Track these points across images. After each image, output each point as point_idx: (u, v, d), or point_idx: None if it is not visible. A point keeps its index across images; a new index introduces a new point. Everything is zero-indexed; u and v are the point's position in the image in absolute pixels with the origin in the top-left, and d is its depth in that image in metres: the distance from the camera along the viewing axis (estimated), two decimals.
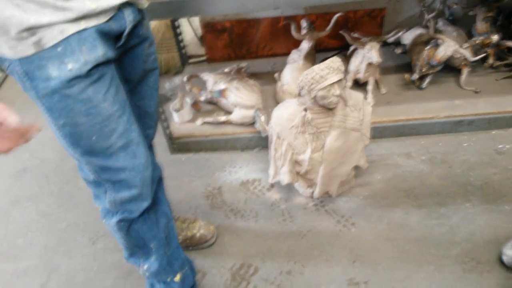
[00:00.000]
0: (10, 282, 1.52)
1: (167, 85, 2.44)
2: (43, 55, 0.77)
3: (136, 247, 1.18)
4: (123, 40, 0.91)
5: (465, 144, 1.85)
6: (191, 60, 2.53)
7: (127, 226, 1.11)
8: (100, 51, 0.83)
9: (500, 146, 1.82)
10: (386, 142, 1.91)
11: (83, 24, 0.79)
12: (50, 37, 0.76)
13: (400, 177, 1.74)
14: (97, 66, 0.83)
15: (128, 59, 1.01)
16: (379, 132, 1.90)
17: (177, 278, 1.24)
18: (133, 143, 0.96)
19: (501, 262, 1.37)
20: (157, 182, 1.13)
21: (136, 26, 0.96)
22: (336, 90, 1.37)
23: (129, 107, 0.96)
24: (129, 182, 1.00)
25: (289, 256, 1.49)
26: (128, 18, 0.89)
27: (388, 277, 1.39)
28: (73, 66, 0.79)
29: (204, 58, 2.52)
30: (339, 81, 1.37)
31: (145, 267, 1.21)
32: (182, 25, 2.47)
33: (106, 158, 0.94)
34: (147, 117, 1.16)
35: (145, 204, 1.07)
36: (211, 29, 2.33)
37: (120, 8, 0.87)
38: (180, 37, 2.39)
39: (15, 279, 1.53)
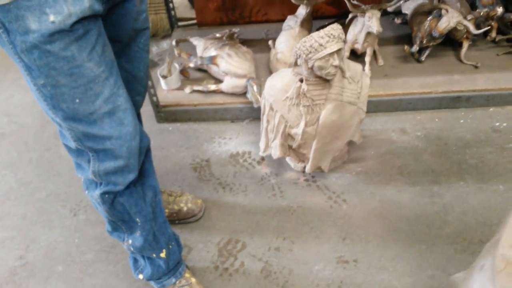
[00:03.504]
0: None
1: (155, 49, 2.33)
2: (22, 4, 0.69)
3: (121, 221, 1.12)
4: None
5: (462, 121, 1.81)
6: (180, 23, 2.40)
7: (111, 199, 1.04)
8: (86, 3, 0.74)
9: (497, 124, 1.78)
10: (381, 117, 1.85)
11: None
12: None
13: (394, 153, 1.69)
14: (82, 20, 0.75)
15: (117, 15, 0.92)
16: (374, 106, 1.83)
17: (163, 254, 1.19)
18: (120, 109, 0.88)
19: None
20: (145, 152, 1.06)
21: None
22: (335, 60, 1.29)
23: (117, 69, 0.88)
24: (114, 152, 0.92)
25: (278, 232, 1.45)
26: None
27: (378, 255, 1.36)
28: (55, 18, 0.71)
29: (194, 21, 2.39)
30: (339, 50, 1.29)
31: (129, 242, 1.15)
32: None
33: (90, 125, 0.87)
34: (136, 82, 1.08)
35: (131, 176, 1.00)
36: None
37: None
38: None
39: None
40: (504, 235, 0.81)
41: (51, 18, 0.71)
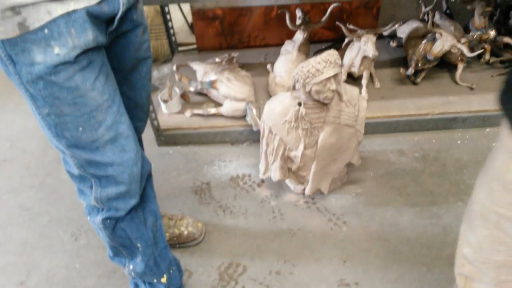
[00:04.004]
0: None
1: (156, 73, 2.37)
2: (28, 37, 0.71)
3: (122, 247, 1.13)
4: (115, 24, 0.85)
5: (459, 142, 1.83)
6: (180, 48, 2.45)
7: (113, 225, 1.05)
8: (90, 35, 0.76)
9: (493, 144, 1.80)
10: (379, 138, 1.87)
11: (72, 5, 0.73)
12: (36, 18, 0.70)
13: (392, 174, 1.71)
14: (86, 51, 0.78)
15: (119, 46, 0.95)
16: (372, 128, 1.86)
17: (164, 279, 1.19)
18: (122, 136, 0.90)
19: None
20: (146, 178, 1.08)
21: (129, 10, 0.89)
22: (332, 85, 1.32)
23: (119, 98, 0.90)
24: (116, 178, 0.94)
25: (278, 255, 1.45)
26: (122, 0, 0.83)
27: (379, 277, 1.36)
28: (60, 50, 0.73)
29: (194, 46, 2.44)
30: (336, 75, 1.32)
31: (131, 267, 1.16)
32: (172, 11, 2.38)
33: (93, 152, 0.89)
34: (137, 108, 1.10)
35: (132, 202, 1.01)
36: (201, 17, 2.25)
37: None
38: (169, 24, 2.30)
39: None
40: (456, 256, 0.89)
41: (56, 50, 0.73)
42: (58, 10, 0.71)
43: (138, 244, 1.10)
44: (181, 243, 1.46)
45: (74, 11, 0.73)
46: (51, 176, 1.83)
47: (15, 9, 0.68)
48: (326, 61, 1.29)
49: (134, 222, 1.07)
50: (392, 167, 1.73)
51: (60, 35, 0.73)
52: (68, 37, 0.74)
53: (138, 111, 1.11)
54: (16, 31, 0.70)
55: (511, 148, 0.69)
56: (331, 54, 1.30)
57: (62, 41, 0.73)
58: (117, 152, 0.91)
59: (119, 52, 0.96)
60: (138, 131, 1.16)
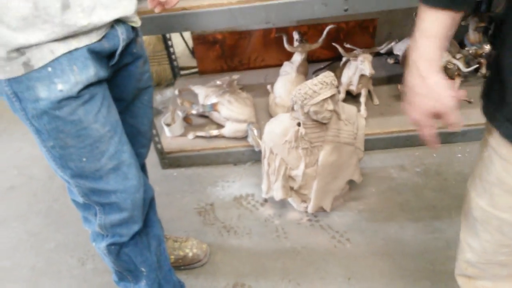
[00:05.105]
0: None
1: (158, 97, 2.42)
2: (33, 76, 0.75)
3: (127, 271, 1.15)
4: (116, 59, 0.89)
5: (459, 155, 1.84)
6: (182, 72, 2.50)
7: (117, 250, 1.08)
8: (91, 71, 0.80)
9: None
10: (380, 154, 1.89)
11: (74, 44, 0.77)
12: (40, 57, 0.74)
13: (394, 190, 1.72)
14: (88, 86, 0.81)
15: (121, 77, 0.98)
16: (372, 144, 1.88)
17: None
18: (125, 165, 0.93)
19: None
20: (149, 203, 1.10)
21: (129, 44, 0.93)
22: (329, 105, 1.35)
23: (121, 127, 0.93)
24: (119, 205, 0.97)
25: (283, 274, 1.46)
26: (122, 36, 0.87)
27: None
28: (63, 86, 0.77)
29: (195, 70, 2.49)
30: (332, 96, 1.35)
31: None
32: (173, 36, 2.45)
33: (96, 181, 0.92)
34: (140, 135, 1.14)
35: (136, 227, 1.04)
36: (202, 41, 2.31)
37: (113, 25, 0.84)
38: (171, 49, 2.37)
39: None
40: (457, 261, 0.96)
41: (59, 87, 0.77)
42: (61, 49, 0.75)
43: (142, 269, 1.12)
44: (186, 265, 1.48)
45: (76, 49, 0.77)
46: (57, 202, 1.86)
47: (20, 50, 0.72)
48: (322, 82, 1.33)
49: (138, 247, 1.09)
50: (394, 183, 1.75)
51: (63, 73, 0.77)
52: (70, 74, 0.77)
53: (140, 138, 1.14)
54: (21, 70, 0.74)
55: (505, 154, 0.71)
56: (327, 75, 1.34)
57: (65, 78, 0.77)
58: (120, 180, 0.93)
59: (121, 83, 0.99)
60: (141, 157, 1.19)
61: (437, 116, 0.73)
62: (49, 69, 0.75)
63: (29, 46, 0.72)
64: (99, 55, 0.82)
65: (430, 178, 1.75)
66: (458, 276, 0.95)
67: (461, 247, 0.91)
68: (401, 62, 2.10)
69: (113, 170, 0.91)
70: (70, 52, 0.76)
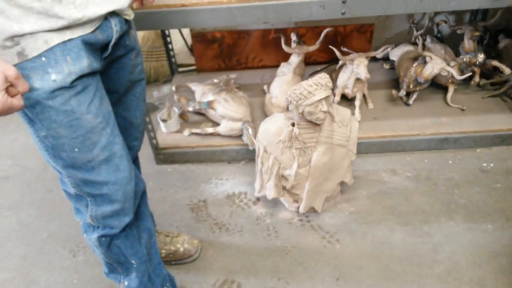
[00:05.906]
0: None
1: (156, 93, 2.43)
2: (26, 65, 0.76)
3: (117, 263, 1.16)
4: (109, 50, 0.90)
5: (450, 162, 1.87)
6: (180, 69, 2.52)
7: (108, 242, 1.09)
8: (85, 62, 0.81)
9: (484, 164, 1.84)
10: (372, 158, 1.91)
11: (68, 35, 0.78)
12: (34, 47, 0.75)
13: (385, 193, 1.74)
14: (81, 77, 0.82)
15: (114, 69, 0.99)
16: (365, 148, 1.90)
17: None
18: (116, 156, 0.94)
19: None
20: (140, 196, 1.12)
21: (122, 36, 0.94)
22: (324, 106, 1.37)
23: (113, 119, 0.94)
24: (111, 196, 0.98)
25: (273, 272, 1.47)
26: (115, 28, 0.88)
27: None
28: (56, 76, 0.78)
29: (193, 67, 2.51)
30: (327, 97, 1.37)
31: (126, 283, 1.19)
32: (173, 33, 2.46)
33: (88, 171, 0.92)
34: (132, 128, 1.14)
35: (127, 219, 1.05)
36: (201, 39, 2.32)
37: (106, 17, 0.86)
38: (170, 46, 2.38)
39: None
40: None
41: (53, 77, 0.78)
42: (55, 39, 0.76)
43: (133, 261, 1.13)
44: (177, 260, 1.49)
45: (70, 40, 0.78)
46: (51, 193, 1.87)
47: (14, 39, 0.73)
48: (317, 84, 1.35)
49: (129, 240, 1.10)
50: (385, 186, 1.77)
51: (56, 63, 0.78)
52: (64, 64, 0.78)
53: (133, 130, 1.15)
54: (16, 59, 0.75)
55: None
56: (322, 77, 1.36)
57: (59, 68, 0.78)
58: (112, 171, 0.94)
59: (114, 75, 1.00)
60: (134, 150, 1.20)
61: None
62: (43, 59, 0.76)
63: (23, 35, 0.73)
64: (93, 47, 0.84)
65: (420, 183, 1.77)
66: None
67: None
68: (396, 68, 2.13)
69: (105, 161, 0.92)
70: (64, 42, 0.77)
